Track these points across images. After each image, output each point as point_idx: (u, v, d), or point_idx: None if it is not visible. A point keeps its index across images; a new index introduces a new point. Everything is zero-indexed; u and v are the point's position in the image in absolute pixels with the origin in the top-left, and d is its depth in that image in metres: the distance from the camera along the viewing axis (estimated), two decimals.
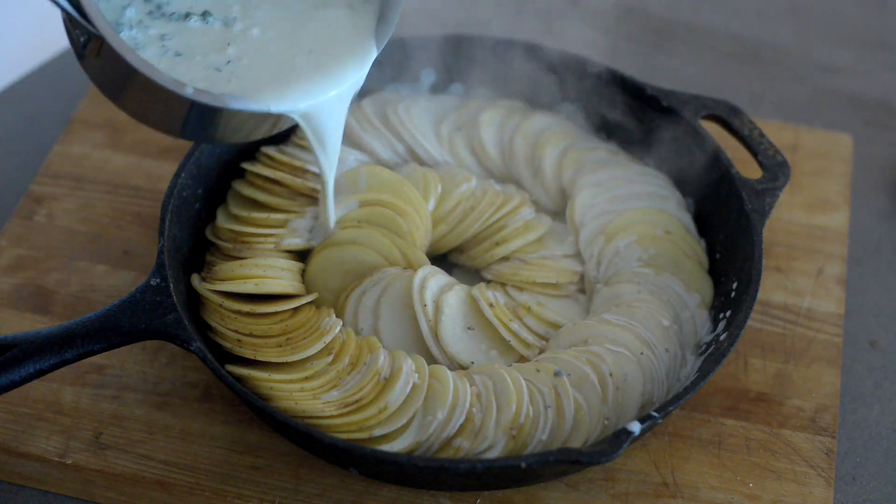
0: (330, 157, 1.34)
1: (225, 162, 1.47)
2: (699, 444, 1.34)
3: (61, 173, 1.60)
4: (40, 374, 1.20)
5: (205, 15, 1.28)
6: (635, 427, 1.19)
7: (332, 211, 1.39)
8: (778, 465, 1.33)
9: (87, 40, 1.16)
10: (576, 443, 1.26)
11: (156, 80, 1.15)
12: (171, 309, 1.26)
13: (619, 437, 1.18)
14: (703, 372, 1.26)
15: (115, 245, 1.52)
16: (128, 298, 1.26)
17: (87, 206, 1.56)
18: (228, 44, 1.27)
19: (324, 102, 1.27)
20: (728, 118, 1.47)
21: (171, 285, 1.28)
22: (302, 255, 1.43)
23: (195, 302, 1.37)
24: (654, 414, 1.21)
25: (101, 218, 1.55)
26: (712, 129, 1.47)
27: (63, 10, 1.13)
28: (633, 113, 1.52)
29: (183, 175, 1.39)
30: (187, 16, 1.28)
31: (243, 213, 1.43)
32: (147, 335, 1.25)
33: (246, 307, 1.34)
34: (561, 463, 1.17)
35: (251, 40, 1.28)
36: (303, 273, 1.40)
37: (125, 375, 1.38)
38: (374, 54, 1.30)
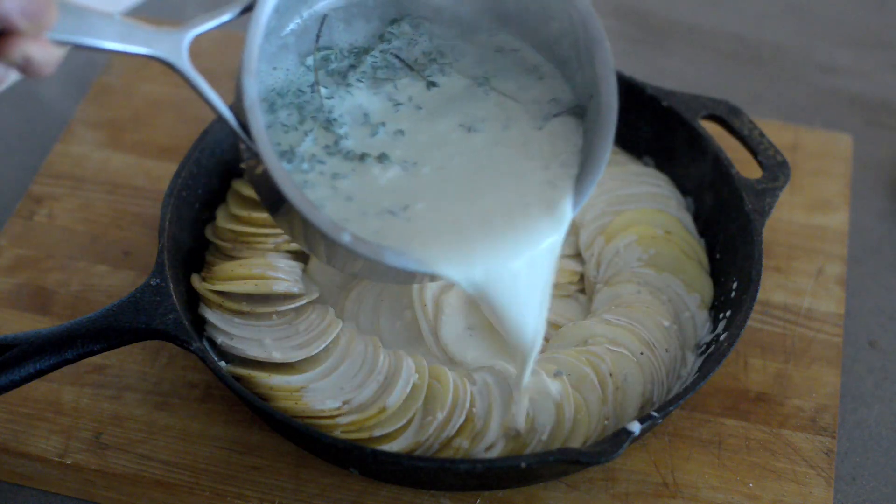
0: (512, 330, 1.15)
1: (225, 162, 1.47)
2: (699, 444, 1.34)
3: (61, 173, 1.60)
4: (40, 374, 1.20)
5: (381, 158, 1.16)
6: (635, 427, 1.19)
7: (528, 376, 1.22)
8: (778, 465, 1.33)
9: (249, 156, 1.09)
10: (576, 443, 1.26)
11: (312, 220, 1.06)
12: (171, 309, 1.26)
13: (619, 437, 1.18)
14: (703, 372, 1.26)
15: (115, 245, 1.52)
16: (128, 298, 1.26)
17: (87, 206, 1.56)
18: (402, 194, 1.14)
19: (499, 272, 1.11)
20: (728, 118, 1.47)
21: (171, 285, 1.28)
22: (302, 255, 1.43)
23: (195, 302, 1.37)
24: (654, 414, 1.21)
25: (101, 218, 1.54)
26: (712, 129, 1.47)
27: (229, 125, 1.07)
28: (633, 113, 1.52)
29: (183, 175, 1.39)
30: (363, 157, 1.16)
31: (243, 213, 1.43)
32: (147, 335, 1.25)
33: (246, 307, 1.34)
34: (561, 463, 1.17)
35: (428, 191, 1.14)
36: (303, 273, 1.40)
37: (125, 375, 1.38)
38: (567, 220, 1.14)
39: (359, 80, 1.22)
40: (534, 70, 1.25)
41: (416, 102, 1.21)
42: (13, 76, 0.97)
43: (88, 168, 1.60)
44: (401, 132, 1.19)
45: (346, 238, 1.07)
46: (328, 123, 1.18)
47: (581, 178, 1.17)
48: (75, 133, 1.64)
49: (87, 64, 1.78)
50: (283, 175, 1.06)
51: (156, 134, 1.64)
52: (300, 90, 1.20)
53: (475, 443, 1.25)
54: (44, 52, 0.94)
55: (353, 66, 1.23)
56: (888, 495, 1.37)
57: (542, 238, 1.13)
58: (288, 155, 1.15)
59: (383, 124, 1.19)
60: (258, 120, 1.05)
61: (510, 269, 1.12)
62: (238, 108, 1.06)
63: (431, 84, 1.23)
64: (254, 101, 1.05)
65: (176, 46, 1.04)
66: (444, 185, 1.15)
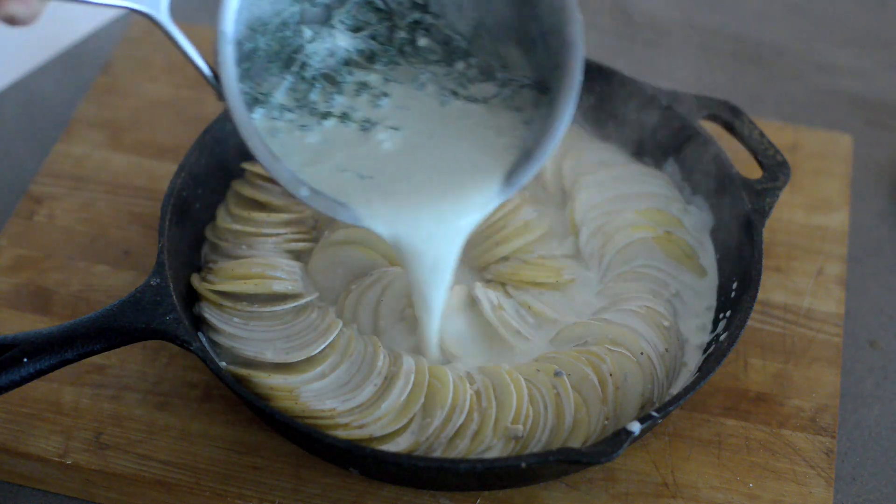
0: (428, 288, 1.26)
1: (225, 162, 1.47)
2: (699, 444, 1.34)
3: (61, 173, 1.60)
4: (40, 374, 1.21)
5: (343, 117, 1.24)
6: (635, 427, 1.19)
7: (434, 338, 1.31)
8: (778, 465, 1.33)
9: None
10: (576, 443, 1.26)
11: (273, 174, 1.15)
12: (170, 309, 1.26)
13: (619, 437, 1.18)
14: (703, 372, 1.26)
15: (115, 245, 1.52)
16: (128, 298, 1.26)
17: (87, 206, 1.56)
18: (357, 152, 1.22)
19: (416, 235, 1.21)
20: (728, 118, 1.47)
21: (171, 285, 1.28)
22: (302, 255, 1.43)
23: (195, 302, 1.37)
24: (654, 414, 1.21)
25: (101, 218, 1.55)
26: (712, 129, 1.47)
27: (203, 76, 1.13)
28: (633, 113, 1.52)
29: (183, 175, 1.39)
30: (325, 115, 1.24)
31: (243, 212, 1.43)
32: (147, 335, 1.25)
33: (246, 307, 1.34)
34: (561, 463, 1.17)
35: (380, 153, 1.22)
36: (303, 273, 1.40)
37: (125, 375, 1.38)
38: (495, 201, 1.21)
39: (341, 22, 1.27)
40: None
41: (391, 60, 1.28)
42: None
43: (88, 168, 1.60)
44: (369, 87, 1.26)
45: (304, 193, 1.16)
46: (302, 68, 1.24)
47: (520, 163, 1.21)
48: (75, 133, 1.64)
49: (87, 64, 1.78)
50: (251, 129, 1.13)
51: (156, 134, 1.64)
52: (284, 23, 1.24)
53: (475, 443, 1.25)
54: (26, 9, 1.02)
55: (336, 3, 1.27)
56: (888, 495, 1.37)
57: (472, 211, 1.21)
58: (263, 97, 1.23)
59: (355, 74, 1.26)
60: (230, 77, 1.11)
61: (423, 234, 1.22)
62: (213, 62, 1.13)
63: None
64: (225, 58, 1.11)
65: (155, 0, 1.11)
66: (394, 147, 1.23)
